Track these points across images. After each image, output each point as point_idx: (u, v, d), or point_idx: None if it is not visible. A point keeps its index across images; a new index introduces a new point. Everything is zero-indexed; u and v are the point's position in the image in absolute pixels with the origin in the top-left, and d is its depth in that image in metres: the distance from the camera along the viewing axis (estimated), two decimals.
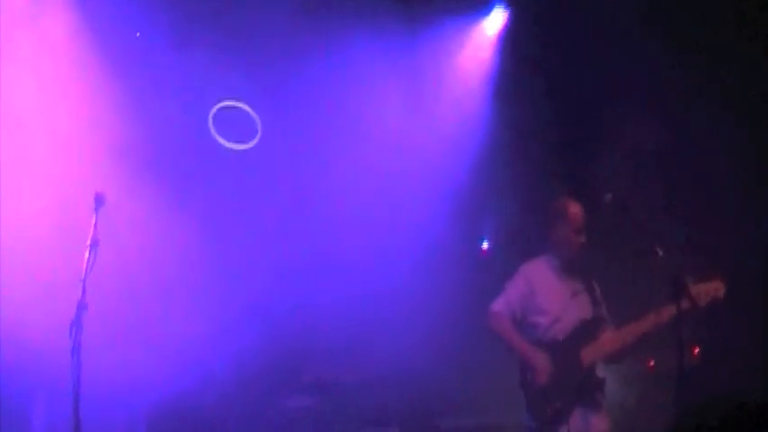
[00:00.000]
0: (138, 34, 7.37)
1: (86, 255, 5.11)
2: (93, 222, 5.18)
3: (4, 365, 6.61)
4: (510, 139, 8.05)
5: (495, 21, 8.43)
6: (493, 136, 8.10)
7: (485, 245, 8.83)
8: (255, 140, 7.96)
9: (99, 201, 5.24)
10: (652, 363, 7.64)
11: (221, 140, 7.85)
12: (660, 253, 5.54)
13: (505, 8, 8.40)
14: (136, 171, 7.06)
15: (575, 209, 6.22)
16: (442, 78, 8.30)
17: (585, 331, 6.10)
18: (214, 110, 7.90)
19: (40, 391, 6.94)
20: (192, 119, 7.74)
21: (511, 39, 8.38)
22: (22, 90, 6.92)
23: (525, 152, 8.04)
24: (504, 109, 8.10)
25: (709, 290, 5.81)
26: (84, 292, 5.04)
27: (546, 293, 6.18)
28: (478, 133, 8.15)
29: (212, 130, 7.83)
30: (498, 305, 6.21)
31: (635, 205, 5.66)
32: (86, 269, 5.08)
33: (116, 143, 7.09)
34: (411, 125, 8.12)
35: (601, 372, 6.11)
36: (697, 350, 7.20)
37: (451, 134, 8.17)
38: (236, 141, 7.93)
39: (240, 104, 7.97)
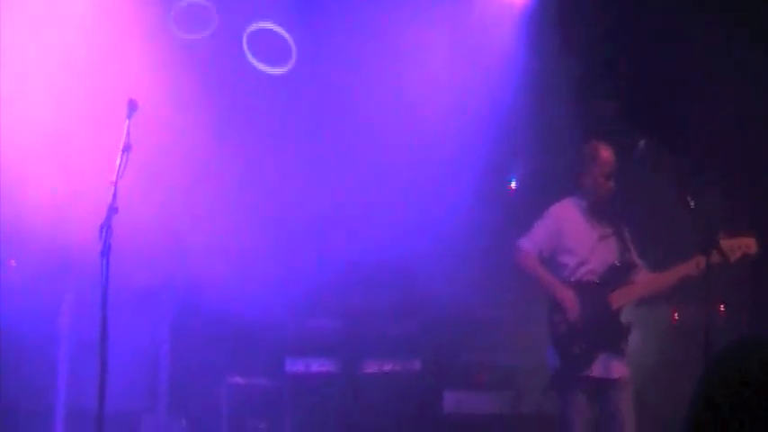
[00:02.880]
0: None
1: (118, 159, 5.16)
2: (126, 127, 5.24)
3: (34, 266, 6.72)
4: (545, 80, 7.96)
5: None
6: (528, 77, 8.01)
7: (513, 184, 8.78)
8: (290, 65, 7.91)
9: (132, 107, 5.29)
10: (676, 315, 7.62)
11: (255, 62, 7.82)
12: (692, 204, 5.49)
13: None
14: (172, 80, 7.06)
15: (606, 153, 6.18)
16: (481, 18, 8.19)
17: (615, 275, 6.10)
18: (249, 30, 7.85)
19: (69, 293, 7.05)
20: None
21: None
22: None
23: (559, 94, 7.94)
24: (542, 49, 7.99)
25: (741, 245, 5.77)
26: (114, 195, 5.10)
27: (574, 234, 6.16)
28: (513, 74, 8.06)
29: (246, 51, 7.79)
30: (526, 242, 6.21)
31: (671, 153, 5.63)
32: (118, 173, 5.14)
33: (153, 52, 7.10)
34: (447, 64, 8.05)
35: (626, 318, 6.11)
36: (723, 307, 7.14)
37: (486, 74, 8.09)
38: (271, 65, 7.90)
39: (275, 27, 7.92)
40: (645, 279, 6.13)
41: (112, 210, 5.12)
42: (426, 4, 7.91)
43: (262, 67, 7.79)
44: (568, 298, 5.97)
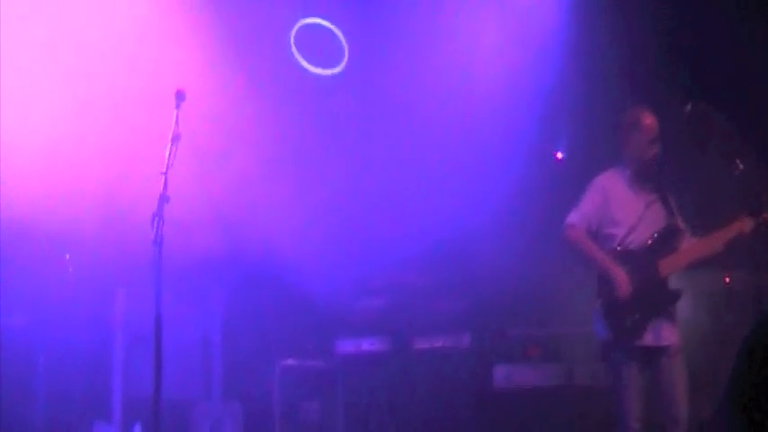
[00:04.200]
0: None
1: (167, 149, 5.22)
2: (175, 118, 5.30)
3: (88, 259, 6.82)
4: (590, 49, 7.95)
5: None
6: (575, 46, 8.00)
7: (559, 154, 8.77)
8: (341, 67, 7.92)
9: (180, 97, 5.34)
10: (727, 279, 7.58)
11: (303, 62, 7.82)
12: (740, 167, 5.48)
13: None
14: (220, 72, 7.14)
15: (649, 119, 6.14)
16: None
17: (662, 242, 6.07)
18: (296, 27, 7.87)
19: (122, 284, 7.15)
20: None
21: None
22: None
23: (605, 62, 7.92)
24: (590, 20, 7.98)
25: None
26: (165, 185, 5.17)
27: (620, 204, 6.14)
28: (560, 44, 8.06)
29: (294, 50, 7.80)
30: (574, 217, 6.19)
31: (717, 117, 5.60)
32: (168, 163, 5.20)
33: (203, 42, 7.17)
34: (495, 41, 8.06)
35: (675, 284, 6.10)
36: None
37: (533, 48, 8.09)
38: (321, 65, 7.91)
39: (327, 24, 7.93)
40: (692, 244, 6.11)
41: (164, 199, 5.18)
42: None
43: (312, 68, 7.79)
44: (619, 275, 5.95)
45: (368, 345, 7.71)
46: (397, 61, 7.80)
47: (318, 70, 7.83)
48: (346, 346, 7.73)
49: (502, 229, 7.77)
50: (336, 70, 7.87)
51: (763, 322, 1.82)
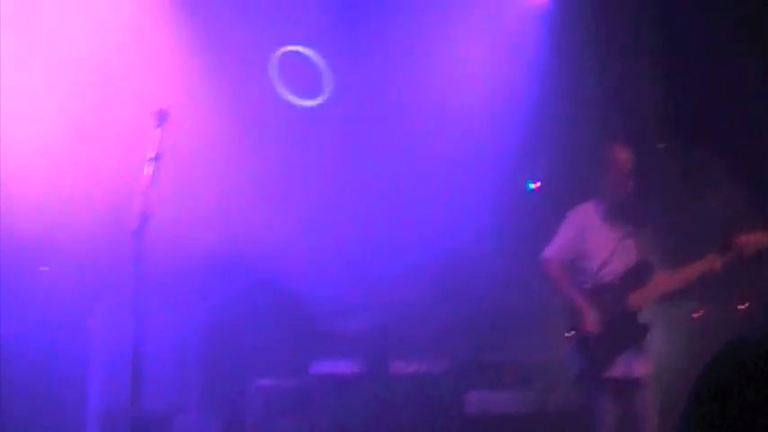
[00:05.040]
0: None
1: (148, 168, 5.26)
2: (156, 137, 5.32)
3: (66, 272, 6.85)
4: (565, 82, 8.03)
5: None
6: (548, 77, 8.08)
7: (534, 185, 8.81)
8: (323, 97, 7.95)
9: (161, 117, 5.37)
10: (698, 313, 7.65)
11: (284, 92, 7.84)
12: (712, 203, 5.58)
13: None
14: (200, 95, 7.19)
15: (623, 154, 6.24)
16: (500, 15, 8.28)
17: (634, 276, 6.16)
18: (277, 54, 7.90)
19: (100, 297, 7.17)
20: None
21: None
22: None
23: (579, 95, 8.00)
24: (562, 50, 8.06)
25: (755, 240, 5.87)
26: (146, 203, 5.20)
27: (594, 238, 6.23)
28: (533, 73, 8.13)
29: (275, 79, 7.83)
30: (549, 250, 6.28)
31: (690, 154, 5.70)
32: (148, 182, 5.23)
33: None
34: (475, 69, 8.15)
35: (646, 317, 6.18)
36: (746, 303, 7.19)
37: (507, 74, 8.16)
38: (302, 96, 7.95)
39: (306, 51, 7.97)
40: (664, 278, 6.20)
41: (144, 217, 5.22)
42: (455, 8, 8.00)
43: (292, 98, 7.83)
44: (587, 314, 6.05)
45: (344, 366, 7.74)
46: (379, 78, 7.87)
47: (299, 101, 7.86)
48: (323, 366, 7.76)
49: (480, 254, 7.83)
50: (317, 101, 7.90)
51: (714, 361, 1.86)
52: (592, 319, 6.02)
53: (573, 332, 6.10)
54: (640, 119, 7.56)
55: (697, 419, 1.76)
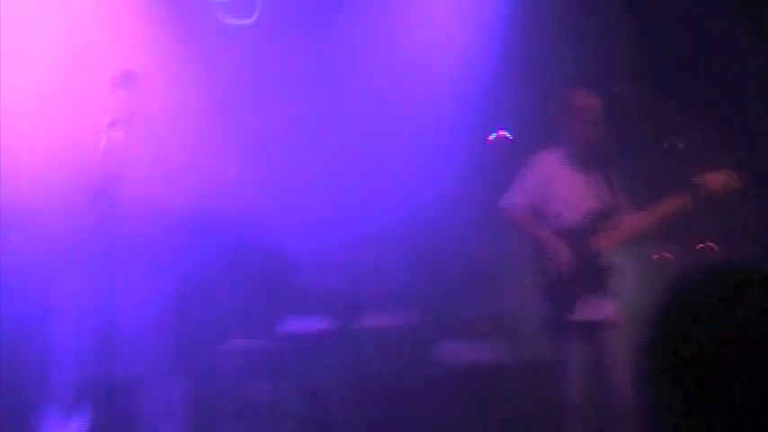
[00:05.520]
0: None
1: (114, 130, 5.24)
2: (113, 101, 5.28)
3: (35, 238, 6.79)
4: (530, 31, 8.05)
5: None
6: (514, 25, 8.10)
7: (499, 134, 8.83)
8: (254, 17, 7.84)
9: (129, 78, 5.34)
10: (664, 254, 7.75)
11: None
12: (680, 145, 5.65)
13: None
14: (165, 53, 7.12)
15: (588, 100, 6.30)
16: None
17: (601, 219, 6.23)
18: None
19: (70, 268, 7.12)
20: None
21: None
22: None
23: (544, 43, 8.02)
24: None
25: (721, 180, 5.96)
26: (113, 165, 5.19)
27: (561, 183, 6.28)
28: (499, 20, 8.14)
29: None
30: (514, 195, 6.31)
31: (656, 97, 5.76)
32: (115, 144, 5.22)
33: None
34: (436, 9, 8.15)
35: (613, 259, 6.25)
36: (711, 244, 7.30)
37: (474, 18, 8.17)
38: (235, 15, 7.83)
39: None
40: (632, 219, 6.27)
41: (113, 180, 5.21)
42: None
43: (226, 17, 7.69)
44: (557, 249, 6.10)
45: (314, 324, 7.76)
46: (349, 39, 7.86)
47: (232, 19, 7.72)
48: (294, 325, 7.77)
49: (449, 206, 7.86)
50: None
51: (675, 291, 1.90)
52: (562, 259, 6.08)
53: (539, 276, 6.15)
54: (606, 65, 7.60)
55: (664, 342, 1.80)
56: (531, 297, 6.30)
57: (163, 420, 7.28)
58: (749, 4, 7.25)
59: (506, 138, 8.54)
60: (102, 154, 5.17)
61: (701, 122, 7.17)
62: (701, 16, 7.40)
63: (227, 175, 7.23)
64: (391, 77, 7.84)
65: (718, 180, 5.96)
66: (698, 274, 1.87)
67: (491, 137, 8.56)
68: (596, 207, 6.22)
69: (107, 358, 5.16)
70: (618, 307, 6.23)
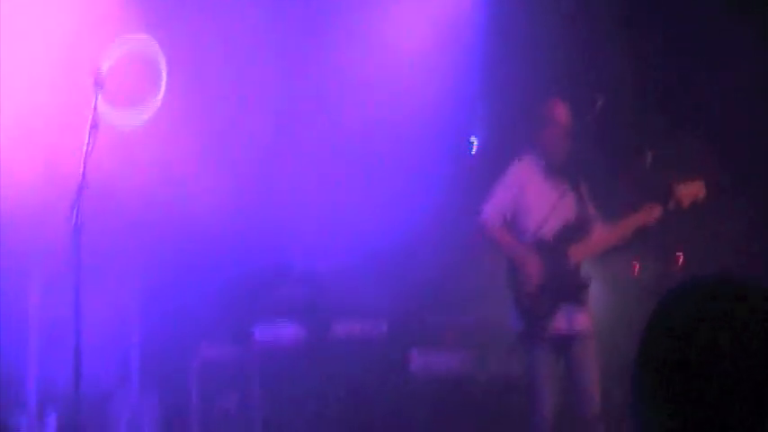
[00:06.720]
0: None
1: (86, 136, 5.17)
2: (93, 103, 5.23)
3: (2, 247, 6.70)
4: (505, 41, 8.06)
5: None
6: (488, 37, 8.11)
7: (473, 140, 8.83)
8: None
9: (99, 82, 5.27)
10: (636, 266, 7.78)
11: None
12: (649, 157, 5.67)
13: None
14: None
15: (561, 111, 6.29)
16: None
17: (574, 231, 6.23)
18: None
19: (38, 271, 7.03)
20: None
21: None
22: None
23: (517, 53, 8.03)
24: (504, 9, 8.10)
25: (691, 190, 6.00)
26: (84, 173, 5.12)
27: (533, 195, 6.27)
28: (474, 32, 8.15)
29: None
30: (488, 207, 6.30)
31: (626, 108, 5.78)
32: (86, 150, 5.15)
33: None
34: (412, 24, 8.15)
35: (586, 271, 6.26)
36: (681, 257, 7.32)
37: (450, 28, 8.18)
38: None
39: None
40: (603, 232, 6.28)
41: (83, 187, 5.14)
42: None
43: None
44: (529, 262, 6.09)
45: (286, 333, 7.71)
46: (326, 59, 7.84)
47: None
48: (265, 334, 7.71)
49: (421, 217, 7.85)
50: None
51: (669, 300, 1.88)
52: (534, 272, 6.08)
53: (512, 289, 6.15)
54: (581, 77, 7.61)
55: (653, 359, 1.79)
56: (503, 308, 6.29)
57: None
58: (749, 4, 7.27)
59: (474, 146, 8.54)
60: (81, 155, 5.11)
61: (686, 130, 7.20)
62: (695, 19, 7.43)
63: (199, 181, 7.19)
64: (365, 92, 7.81)
65: (690, 189, 6.01)
66: (681, 291, 1.85)
67: (472, 150, 8.56)
68: (569, 219, 6.23)
69: (77, 371, 5.07)
70: (590, 319, 6.23)
